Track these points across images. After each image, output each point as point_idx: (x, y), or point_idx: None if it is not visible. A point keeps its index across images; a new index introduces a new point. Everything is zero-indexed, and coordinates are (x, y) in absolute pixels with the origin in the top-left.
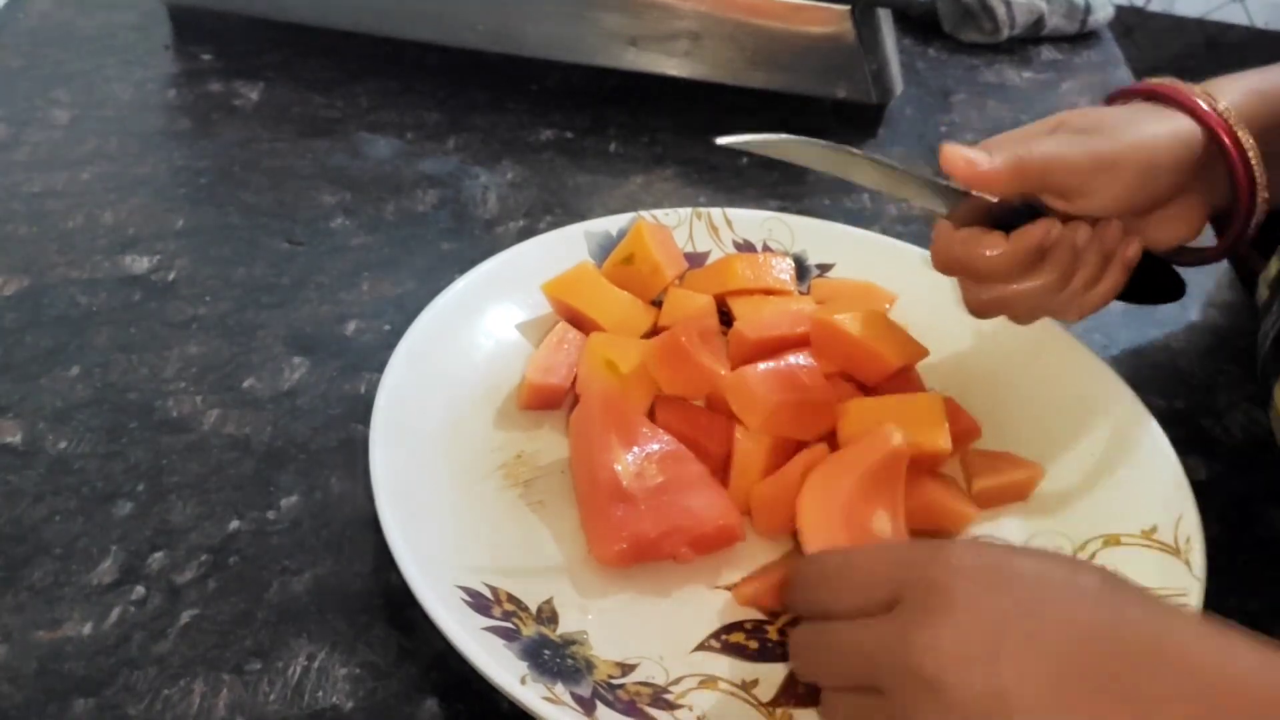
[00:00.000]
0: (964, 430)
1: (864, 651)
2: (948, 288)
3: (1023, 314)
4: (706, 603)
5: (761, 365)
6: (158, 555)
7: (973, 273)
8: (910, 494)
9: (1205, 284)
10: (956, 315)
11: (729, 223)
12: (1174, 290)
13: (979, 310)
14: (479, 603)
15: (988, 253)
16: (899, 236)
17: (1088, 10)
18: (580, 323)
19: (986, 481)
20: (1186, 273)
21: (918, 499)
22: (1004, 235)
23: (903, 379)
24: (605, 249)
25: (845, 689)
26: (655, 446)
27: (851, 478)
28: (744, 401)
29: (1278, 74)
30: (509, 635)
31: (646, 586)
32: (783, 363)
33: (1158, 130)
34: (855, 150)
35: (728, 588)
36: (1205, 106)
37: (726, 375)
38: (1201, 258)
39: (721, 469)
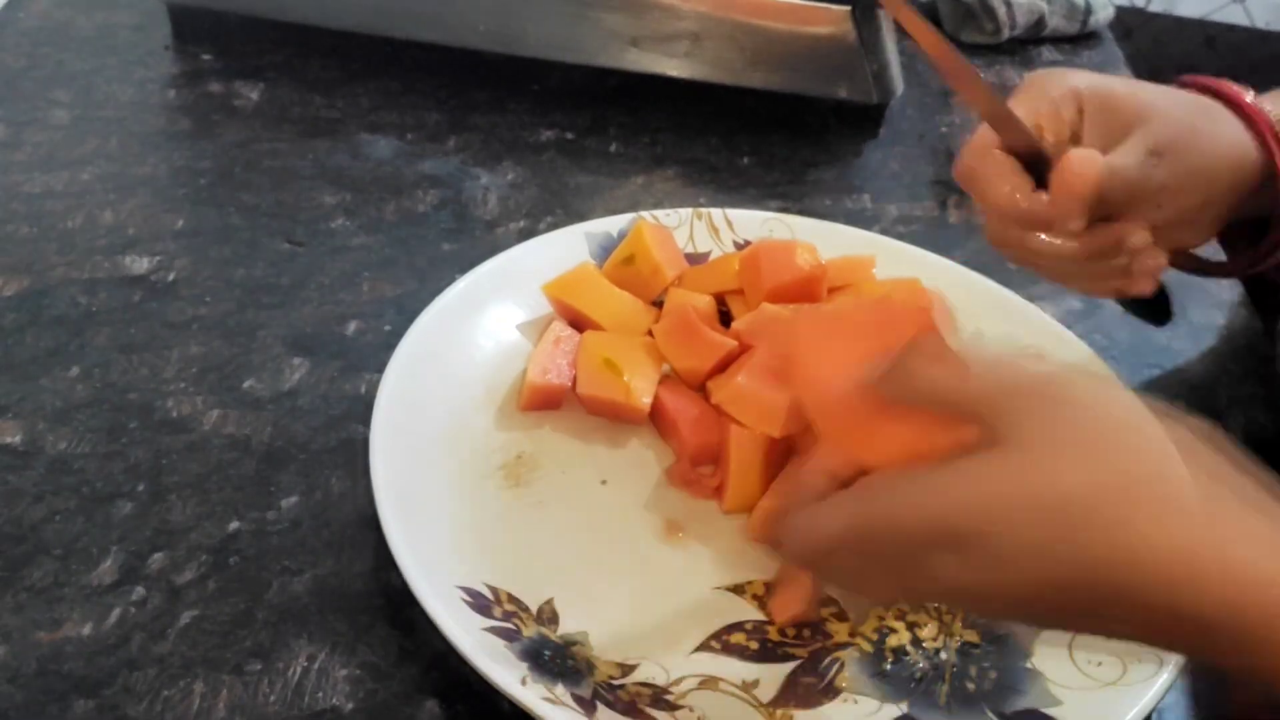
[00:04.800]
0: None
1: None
2: (946, 287)
3: (1030, 263)
4: (707, 603)
5: (743, 374)
6: (158, 555)
7: (1026, 225)
8: None
9: (1206, 284)
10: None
11: (729, 223)
12: (1163, 314)
13: (1001, 244)
14: (479, 603)
15: (1056, 240)
16: (899, 237)
17: (1088, 11)
18: (581, 323)
19: None
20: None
21: None
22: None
23: None
24: (606, 249)
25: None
26: None
27: None
28: (754, 411)
29: None
30: (509, 636)
31: (647, 587)
32: (756, 361)
33: (1220, 158)
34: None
35: (728, 588)
36: (1270, 120)
37: (722, 391)
38: (1212, 270)
39: (714, 459)
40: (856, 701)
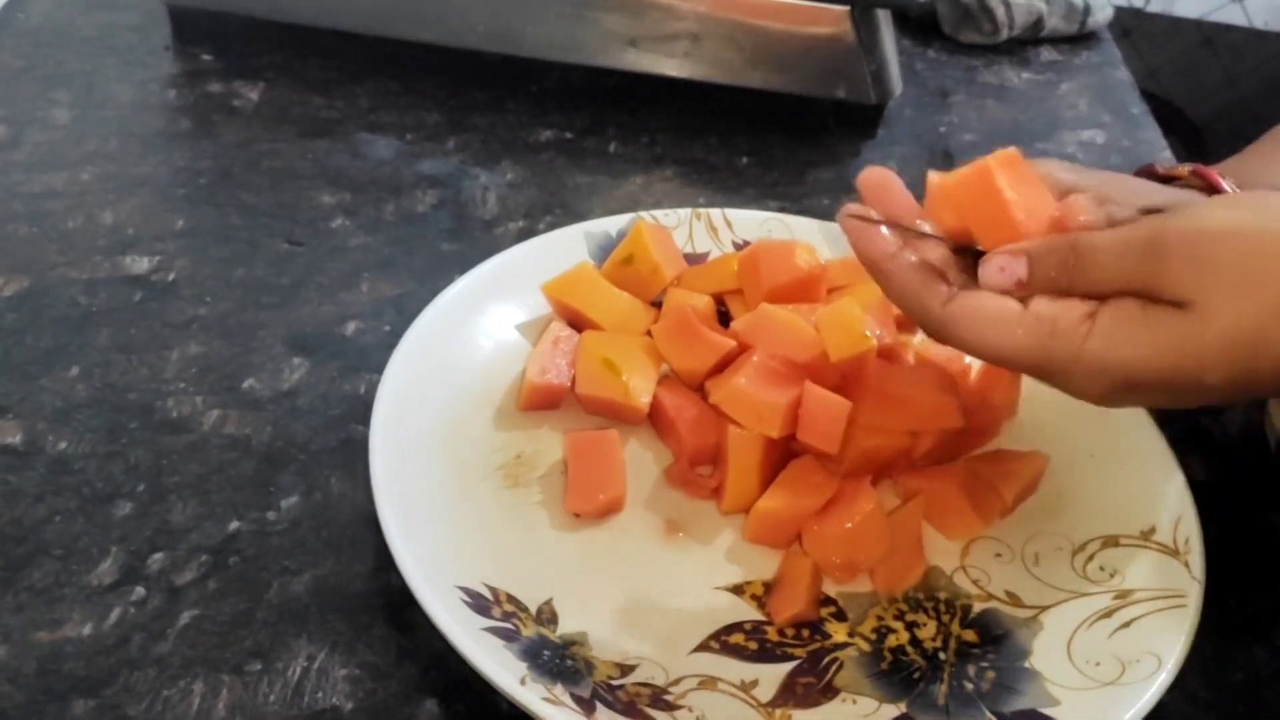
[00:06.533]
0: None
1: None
2: None
3: None
4: (706, 603)
5: (741, 375)
6: (158, 556)
7: None
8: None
9: None
10: None
11: (729, 223)
12: None
13: None
14: (479, 603)
15: None
16: None
17: (1087, 11)
18: (580, 323)
19: (1015, 486)
20: None
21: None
22: None
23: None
24: (605, 249)
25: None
26: None
27: None
28: (752, 411)
29: None
30: (509, 636)
31: (646, 587)
32: (755, 362)
33: None
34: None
35: (727, 588)
36: None
37: (721, 391)
38: None
39: (713, 459)
40: (855, 701)
